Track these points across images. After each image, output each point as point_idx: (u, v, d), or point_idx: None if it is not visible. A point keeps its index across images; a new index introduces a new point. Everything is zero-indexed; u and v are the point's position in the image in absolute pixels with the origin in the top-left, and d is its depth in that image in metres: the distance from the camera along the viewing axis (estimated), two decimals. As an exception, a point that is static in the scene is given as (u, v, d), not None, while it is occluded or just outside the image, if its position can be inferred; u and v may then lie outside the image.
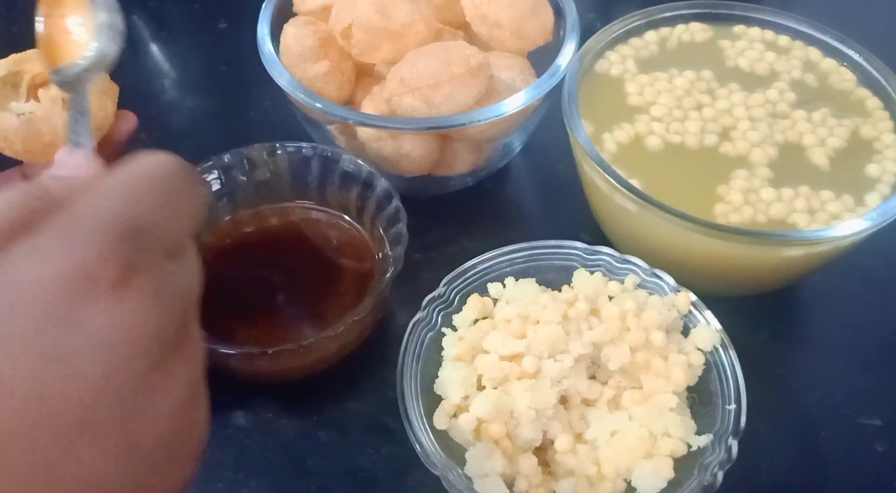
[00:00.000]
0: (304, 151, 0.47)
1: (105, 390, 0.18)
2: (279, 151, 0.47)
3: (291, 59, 0.47)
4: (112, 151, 0.42)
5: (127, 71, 0.63)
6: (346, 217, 0.49)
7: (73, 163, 0.27)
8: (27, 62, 0.39)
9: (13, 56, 0.40)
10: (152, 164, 0.22)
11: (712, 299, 0.42)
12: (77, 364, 0.18)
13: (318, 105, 0.45)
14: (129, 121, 0.43)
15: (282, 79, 0.47)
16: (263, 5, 0.50)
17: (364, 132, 0.47)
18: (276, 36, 0.49)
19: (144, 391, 0.19)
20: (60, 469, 0.17)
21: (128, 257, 0.19)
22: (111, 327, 0.18)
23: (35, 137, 0.37)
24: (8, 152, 0.38)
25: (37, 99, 0.38)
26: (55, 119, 0.38)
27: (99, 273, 0.18)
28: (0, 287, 0.18)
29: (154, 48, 0.66)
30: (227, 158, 0.47)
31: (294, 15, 0.51)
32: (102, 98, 0.40)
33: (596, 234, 0.50)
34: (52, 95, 0.38)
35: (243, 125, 0.59)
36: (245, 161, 0.47)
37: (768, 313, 0.48)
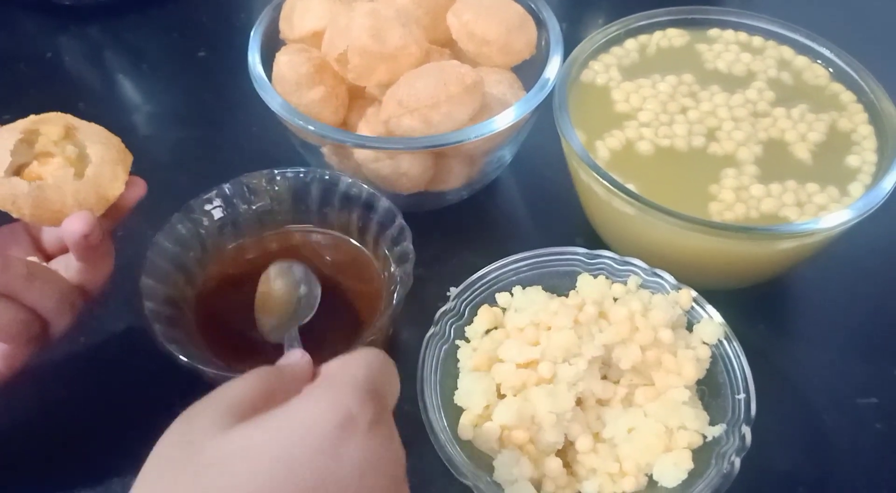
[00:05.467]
0: (302, 175, 0.48)
1: None
2: (278, 178, 0.48)
3: (286, 86, 0.47)
4: (117, 216, 0.42)
5: (110, 106, 0.64)
6: (350, 239, 0.49)
7: (295, 359, 0.34)
8: (44, 124, 0.39)
9: (32, 117, 0.40)
10: (373, 355, 0.31)
11: (709, 293, 0.44)
12: (342, 485, 0.26)
13: (314, 129, 0.46)
14: (139, 188, 0.42)
15: (275, 104, 0.48)
16: (252, 33, 0.51)
17: (361, 153, 0.48)
18: (263, 63, 0.50)
19: None
20: None
21: (375, 407, 0.27)
22: (365, 462, 0.26)
23: (44, 204, 0.38)
24: (16, 215, 0.38)
25: (44, 161, 0.38)
26: (65, 187, 0.38)
27: (357, 417, 0.27)
28: (291, 422, 0.26)
29: (135, 81, 0.66)
30: (227, 187, 0.47)
31: (282, 42, 0.52)
32: (116, 168, 0.40)
33: (591, 237, 0.51)
34: (62, 163, 0.39)
35: (234, 152, 0.59)
36: (245, 189, 0.48)
37: (763, 305, 0.50)
